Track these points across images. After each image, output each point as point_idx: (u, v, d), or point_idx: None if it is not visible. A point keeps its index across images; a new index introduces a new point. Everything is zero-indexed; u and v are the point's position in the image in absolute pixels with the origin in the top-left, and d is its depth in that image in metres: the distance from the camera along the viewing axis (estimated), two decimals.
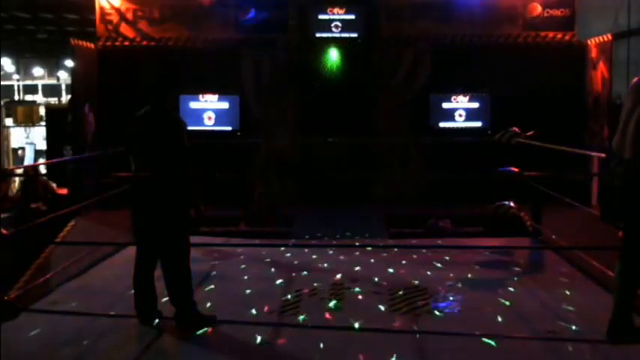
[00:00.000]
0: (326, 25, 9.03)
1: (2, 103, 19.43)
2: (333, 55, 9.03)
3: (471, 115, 9.05)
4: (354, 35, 9.07)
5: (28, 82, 30.18)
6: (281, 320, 4.26)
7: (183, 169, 4.01)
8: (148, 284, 4.08)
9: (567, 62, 9.04)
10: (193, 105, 9.00)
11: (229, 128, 9.01)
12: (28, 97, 28.72)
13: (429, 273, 5.37)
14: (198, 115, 8.97)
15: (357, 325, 4.08)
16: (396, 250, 6.16)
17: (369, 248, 6.25)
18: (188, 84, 8.83)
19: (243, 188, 8.31)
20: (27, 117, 18.44)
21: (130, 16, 9.30)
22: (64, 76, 28.56)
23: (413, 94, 9.19)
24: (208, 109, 9.00)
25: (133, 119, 4.20)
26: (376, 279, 5.18)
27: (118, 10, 9.25)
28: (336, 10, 9.01)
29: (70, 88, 14.06)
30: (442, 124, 9.07)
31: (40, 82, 30.30)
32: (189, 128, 9.26)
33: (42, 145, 16.91)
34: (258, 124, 9.12)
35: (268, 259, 5.75)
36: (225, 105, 9.03)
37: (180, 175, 3.98)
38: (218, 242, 6.33)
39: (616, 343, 3.67)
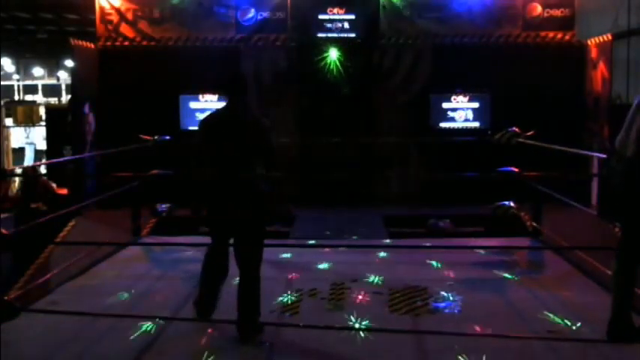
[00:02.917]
0: (326, 25, 9.03)
1: (2, 103, 19.44)
2: (333, 55, 9.04)
3: (471, 115, 9.05)
4: (354, 35, 9.07)
5: (28, 82, 30.20)
6: (281, 320, 4.26)
7: (268, 169, 3.94)
8: (213, 291, 4.03)
9: (567, 62, 9.04)
10: (193, 105, 9.00)
11: None
12: (28, 97, 28.74)
13: (429, 273, 5.37)
14: (198, 114, 8.97)
15: (357, 325, 4.08)
16: (395, 250, 6.16)
17: (369, 248, 6.24)
18: (188, 84, 8.84)
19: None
20: (27, 117, 18.46)
21: (130, 16, 9.30)
22: (64, 76, 28.58)
23: (413, 94, 9.19)
24: (208, 109, 8.98)
25: (206, 118, 4.08)
26: (376, 279, 5.18)
27: (118, 10, 9.26)
28: (336, 10, 9.01)
29: (70, 88, 14.07)
30: (442, 124, 9.07)
31: (40, 82, 30.31)
32: (190, 128, 9.35)
33: (42, 145, 16.91)
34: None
35: (268, 259, 5.73)
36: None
37: (262, 175, 3.90)
38: None
39: (616, 343, 3.68)
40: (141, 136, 7.02)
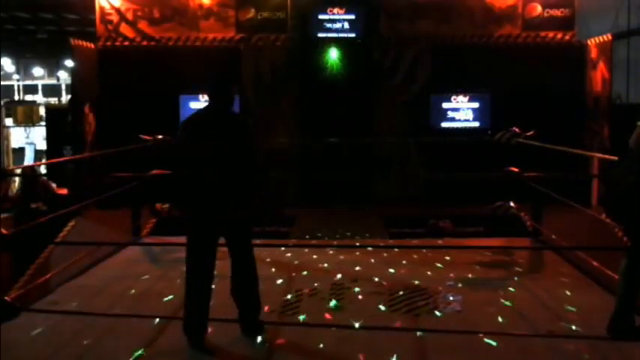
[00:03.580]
0: (326, 25, 9.04)
1: (2, 103, 19.44)
2: (333, 55, 9.04)
3: (470, 115, 9.05)
4: (354, 35, 9.07)
5: (28, 82, 30.22)
6: (281, 320, 4.26)
7: (251, 169, 3.87)
8: (206, 296, 3.78)
9: (567, 62, 9.04)
10: (193, 105, 9.00)
11: None
12: (28, 97, 28.75)
13: (429, 273, 5.37)
14: None
15: (357, 325, 4.08)
16: (396, 250, 6.16)
17: (369, 248, 6.24)
18: (188, 84, 8.84)
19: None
20: (27, 117, 18.48)
21: (130, 16, 9.31)
22: (64, 76, 28.61)
23: (413, 94, 9.19)
24: None
25: (191, 118, 3.95)
26: (376, 279, 5.17)
27: (118, 10, 9.26)
28: (336, 10, 9.02)
29: (70, 88, 14.09)
30: (442, 124, 9.08)
31: (40, 82, 30.33)
32: None
33: (42, 145, 16.93)
34: (258, 124, 9.12)
35: (268, 259, 5.74)
36: None
37: (248, 174, 3.83)
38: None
39: (615, 338, 3.70)
40: (141, 136, 7.01)
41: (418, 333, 3.98)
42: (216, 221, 3.80)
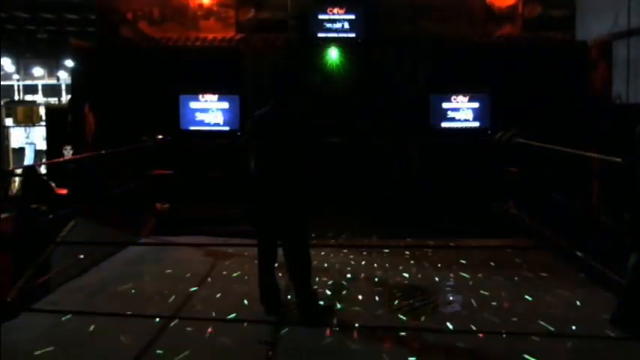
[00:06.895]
0: (326, 25, 9.04)
1: (2, 103, 19.43)
2: (333, 55, 9.03)
3: (470, 115, 9.05)
4: (354, 35, 9.07)
5: (28, 82, 30.20)
6: (281, 320, 4.26)
7: (310, 165, 4.12)
8: (272, 278, 4.29)
9: (567, 62, 9.04)
10: (193, 105, 9.00)
11: (229, 128, 9.00)
12: (28, 97, 28.73)
13: (429, 273, 5.37)
14: (198, 114, 8.98)
15: (357, 325, 4.08)
16: (396, 250, 6.16)
17: (369, 248, 6.24)
18: (188, 84, 8.84)
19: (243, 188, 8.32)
20: (27, 117, 18.44)
21: (130, 16, 9.31)
22: (64, 76, 28.60)
23: (413, 94, 9.18)
24: (208, 109, 9.00)
25: (254, 118, 4.28)
26: (376, 279, 5.18)
27: (118, 10, 9.26)
28: (336, 10, 9.01)
29: (70, 88, 14.08)
30: (443, 124, 9.07)
31: (40, 82, 30.31)
32: (191, 128, 9.34)
33: (42, 145, 16.92)
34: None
35: None
36: (225, 105, 9.03)
37: (307, 171, 4.08)
38: (218, 242, 6.33)
39: (616, 327, 3.75)
40: (144, 137, 7.02)
41: (418, 333, 3.99)
42: (272, 216, 4.09)
